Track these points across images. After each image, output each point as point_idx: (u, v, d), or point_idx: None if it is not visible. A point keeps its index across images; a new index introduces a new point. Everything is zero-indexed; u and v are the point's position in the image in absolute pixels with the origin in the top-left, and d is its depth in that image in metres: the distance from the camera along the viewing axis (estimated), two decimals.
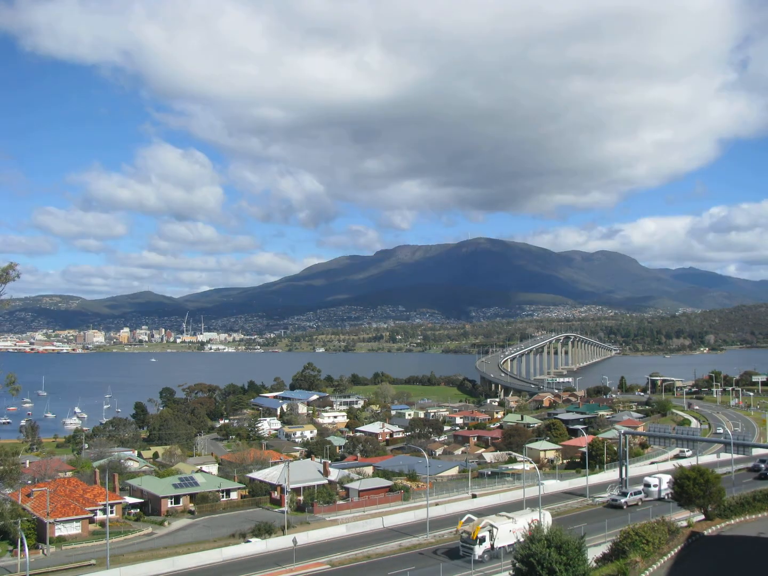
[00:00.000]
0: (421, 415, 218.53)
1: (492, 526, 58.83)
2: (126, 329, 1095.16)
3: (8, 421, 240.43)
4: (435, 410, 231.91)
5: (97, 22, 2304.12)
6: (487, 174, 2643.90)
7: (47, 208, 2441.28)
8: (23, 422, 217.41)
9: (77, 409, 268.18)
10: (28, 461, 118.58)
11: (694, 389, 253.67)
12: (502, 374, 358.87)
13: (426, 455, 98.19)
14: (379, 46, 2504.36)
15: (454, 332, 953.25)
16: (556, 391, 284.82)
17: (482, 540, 57.81)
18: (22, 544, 55.09)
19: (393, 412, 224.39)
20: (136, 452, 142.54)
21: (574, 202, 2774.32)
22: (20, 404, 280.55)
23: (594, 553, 49.40)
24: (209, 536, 72.84)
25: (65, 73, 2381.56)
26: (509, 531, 58.96)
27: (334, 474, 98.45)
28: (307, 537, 67.97)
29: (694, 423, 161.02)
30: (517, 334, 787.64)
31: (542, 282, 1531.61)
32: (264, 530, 69.81)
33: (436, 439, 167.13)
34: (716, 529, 57.92)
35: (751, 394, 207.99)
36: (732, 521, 60.44)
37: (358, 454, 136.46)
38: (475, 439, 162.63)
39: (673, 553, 49.78)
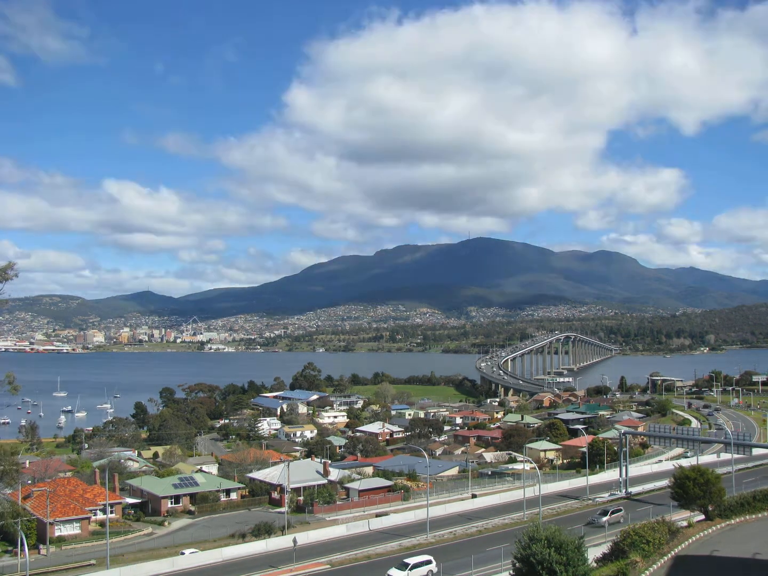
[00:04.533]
0: (421, 415, 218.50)
1: None
2: (126, 329, 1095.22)
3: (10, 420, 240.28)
4: (435, 410, 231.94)
5: None
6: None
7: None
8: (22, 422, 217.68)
9: (68, 408, 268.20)
10: (28, 461, 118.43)
11: (694, 389, 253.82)
12: (502, 374, 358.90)
13: (426, 455, 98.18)
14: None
15: (454, 332, 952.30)
16: (556, 390, 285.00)
17: None
18: (22, 545, 55.03)
19: (393, 412, 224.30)
20: (136, 452, 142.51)
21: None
22: (25, 403, 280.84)
23: (594, 553, 49.29)
24: (209, 536, 72.80)
25: None
26: None
27: (334, 474, 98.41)
28: (307, 537, 67.90)
29: (695, 423, 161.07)
30: (517, 334, 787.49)
31: (542, 282, 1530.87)
32: (264, 530, 69.74)
33: (436, 439, 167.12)
34: (712, 532, 57.78)
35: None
36: (732, 521, 60.40)
37: (358, 454, 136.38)
38: (475, 439, 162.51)
39: (672, 554, 49.65)
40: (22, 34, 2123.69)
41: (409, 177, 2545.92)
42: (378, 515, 77.82)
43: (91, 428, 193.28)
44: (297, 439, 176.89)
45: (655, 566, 46.67)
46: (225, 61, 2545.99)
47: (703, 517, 62.47)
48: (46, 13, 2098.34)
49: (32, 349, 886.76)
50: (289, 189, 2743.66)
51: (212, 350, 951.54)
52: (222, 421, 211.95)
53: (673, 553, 49.73)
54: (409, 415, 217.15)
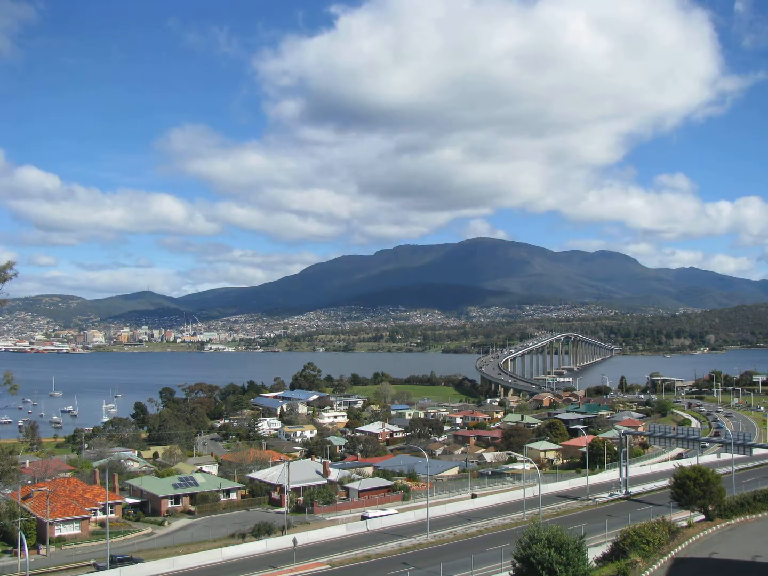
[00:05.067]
0: (421, 415, 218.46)
1: None
2: (126, 329, 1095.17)
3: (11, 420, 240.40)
4: (435, 410, 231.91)
5: None
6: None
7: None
8: (21, 422, 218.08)
9: (70, 408, 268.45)
10: (28, 461, 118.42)
11: (694, 389, 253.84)
12: (502, 374, 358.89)
13: (426, 455, 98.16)
14: None
15: (454, 332, 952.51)
16: (557, 391, 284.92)
17: None
18: (22, 545, 55.01)
19: (393, 412, 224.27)
20: (136, 452, 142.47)
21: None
22: (29, 403, 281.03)
23: (594, 553, 49.31)
24: (209, 536, 72.80)
25: None
26: None
27: (334, 474, 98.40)
28: (307, 537, 67.91)
29: (695, 423, 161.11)
30: (517, 334, 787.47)
31: (542, 282, 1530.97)
32: (264, 530, 69.74)
33: (436, 439, 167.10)
34: (712, 532, 57.74)
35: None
36: (732, 521, 60.39)
37: (358, 454, 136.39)
38: (475, 439, 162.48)
39: (671, 555, 49.58)
40: None
41: (412, 174, 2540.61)
42: (362, 517, 77.28)
43: (90, 428, 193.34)
44: (297, 439, 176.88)
45: (655, 566, 46.66)
46: None
47: (703, 517, 62.46)
48: None
49: (32, 349, 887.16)
50: (290, 192, 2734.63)
51: (212, 350, 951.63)
52: (222, 421, 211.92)
53: (672, 554, 49.70)
54: (409, 415, 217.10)
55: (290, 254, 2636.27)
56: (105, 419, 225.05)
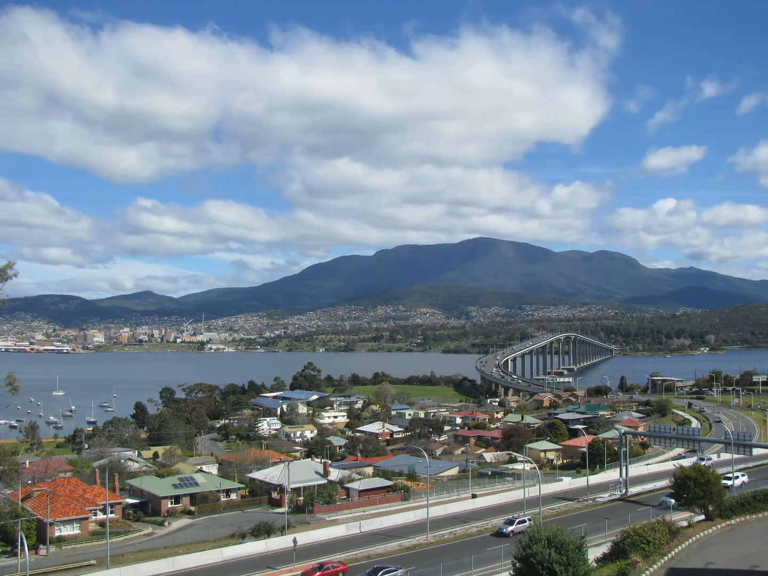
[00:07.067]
0: (421, 415, 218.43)
1: None
2: (126, 329, 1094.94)
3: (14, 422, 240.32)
4: (435, 410, 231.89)
5: None
6: None
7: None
8: (13, 422, 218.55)
9: (72, 408, 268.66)
10: (28, 461, 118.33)
11: (694, 389, 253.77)
12: (502, 374, 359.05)
13: (426, 455, 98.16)
14: None
15: (454, 332, 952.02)
16: (557, 391, 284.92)
17: None
18: (22, 545, 54.98)
19: (393, 412, 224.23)
20: (136, 452, 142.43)
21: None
22: (29, 403, 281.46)
23: (594, 553, 49.34)
24: (209, 536, 72.76)
25: None
26: None
27: (335, 474, 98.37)
28: (307, 537, 67.89)
29: (695, 423, 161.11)
30: (517, 334, 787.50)
31: (542, 282, 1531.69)
32: (264, 530, 69.71)
33: (436, 439, 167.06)
34: (712, 532, 57.72)
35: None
36: (732, 521, 60.42)
37: (359, 454, 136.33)
38: (475, 439, 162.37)
39: (666, 559, 49.48)
40: None
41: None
42: (377, 516, 77.60)
43: (91, 428, 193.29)
44: (297, 439, 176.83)
45: (655, 566, 46.66)
46: None
47: (703, 517, 62.49)
48: None
49: (32, 349, 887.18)
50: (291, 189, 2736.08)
51: (212, 350, 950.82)
52: (222, 421, 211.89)
53: (670, 555, 49.65)
54: (409, 415, 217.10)
55: (290, 254, 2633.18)
56: (91, 419, 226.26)
